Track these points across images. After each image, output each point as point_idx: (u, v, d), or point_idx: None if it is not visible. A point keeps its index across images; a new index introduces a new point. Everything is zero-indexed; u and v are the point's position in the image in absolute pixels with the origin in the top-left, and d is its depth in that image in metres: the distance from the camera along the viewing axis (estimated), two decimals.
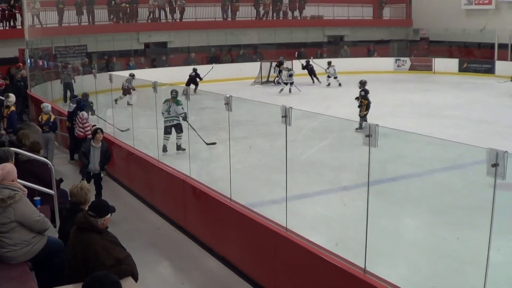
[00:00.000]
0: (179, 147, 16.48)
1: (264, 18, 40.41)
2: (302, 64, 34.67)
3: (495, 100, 27.98)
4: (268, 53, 38.33)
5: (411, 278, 8.50)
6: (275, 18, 40.91)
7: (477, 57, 40.76)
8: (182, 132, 16.33)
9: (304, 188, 12.45)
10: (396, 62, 41.33)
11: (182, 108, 15.90)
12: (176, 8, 37.11)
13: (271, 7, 40.42)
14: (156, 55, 36.71)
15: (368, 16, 44.78)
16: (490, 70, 38.71)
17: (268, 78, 34.56)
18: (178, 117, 16.27)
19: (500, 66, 38.45)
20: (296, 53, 39.11)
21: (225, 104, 9.36)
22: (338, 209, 11.32)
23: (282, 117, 7.85)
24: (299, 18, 42.01)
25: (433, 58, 40.81)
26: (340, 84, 32.43)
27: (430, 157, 14.04)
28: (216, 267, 9.75)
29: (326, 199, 12.37)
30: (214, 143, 16.34)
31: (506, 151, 5.32)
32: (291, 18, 41.74)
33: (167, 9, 37.03)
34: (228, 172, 9.80)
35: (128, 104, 20.86)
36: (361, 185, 7.32)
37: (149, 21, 36.69)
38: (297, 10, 41.90)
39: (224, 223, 9.89)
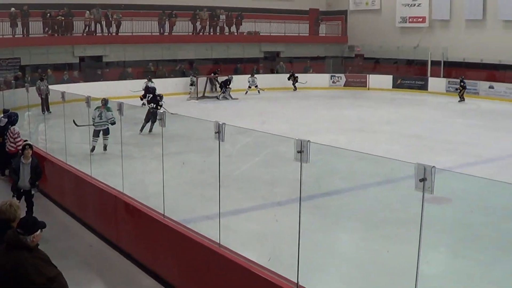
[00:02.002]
0: (105, 147, 18.23)
1: (201, 33, 40.35)
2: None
3: (428, 116, 28.54)
4: (204, 68, 38.36)
5: None
6: (212, 34, 40.86)
7: (410, 73, 41.52)
8: (109, 134, 18.12)
9: (238, 204, 12.45)
10: (331, 79, 41.77)
11: (112, 114, 17.60)
12: (112, 22, 36.74)
13: (208, 22, 40.39)
14: (91, 69, 36.29)
15: (304, 33, 45.14)
16: (423, 87, 39.52)
17: (204, 93, 34.57)
18: (108, 122, 17.98)
19: (433, 82, 39.31)
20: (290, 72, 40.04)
21: (159, 119, 9.32)
22: (272, 224, 11.35)
23: (215, 132, 7.85)
24: (235, 33, 42.09)
25: (368, 75, 41.42)
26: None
27: (363, 172, 14.21)
28: (150, 285, 9.63)
29: (259, 214, 12.40)
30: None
31: (433, 166, 5.42)
32: (227, 33, 41.79)
33: (103, 23, 36.61)
34: (161, 188, 9.74)
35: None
36: (295, 200, 7.35)
37: (85, 34, 36.27)
38: (234, 25, 41.98)
39: (158, 239, 9.81)
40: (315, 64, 43.40)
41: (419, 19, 42.08)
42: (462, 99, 33.63)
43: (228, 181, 11.07)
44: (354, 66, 44.20)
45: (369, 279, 9.01)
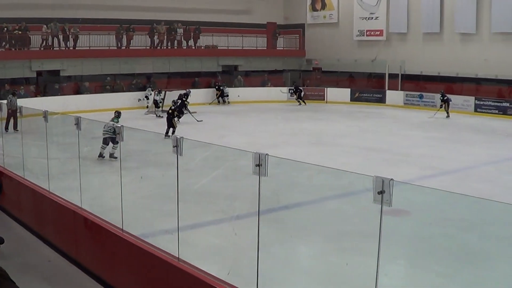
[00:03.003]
0: (111, 155, 19.24)
1: (159, 47, 40.24)
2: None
3: (386, 129, 28.75)
4: (162, 82, 38.23)
5: None
6: (169, 47, 40.78)
7: (368, 87, 41.86)
8: (117, 144, 17.71)
9: (197, 218, 12.39)
10: (289, 91, 41.84)
11: (113, 125, 18.34)
12: (70, 36, 36.47)
13: (165, 36, 40.30)
14: (49, 83, 35.91)
15: (262, 46, 45.35)
16: (381, 100, 39.85)
17: (162, 108, 34.41)
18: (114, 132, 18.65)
19: (391, 95, 39.68)
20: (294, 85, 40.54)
21: (116, 134, 9.28)
22: (231, 238, 11.31)
23: (174, 146, 7.82)
24: (193, 47, 42.05)
25: (326, 88, 41.64)
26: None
27: (322, 185, 14.25)
28: None
29: (219, 228, 12.37)
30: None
31: (391, 179, 5.45)
32: (185, 47, 41.72)
33: (61, 37, 36.35)
34: (120, 202, 9.67)
35: None
36: (254, 213, 7.34)
37: (42, 48, 35.94)
38: (192, 39, 41.94)
39: (116, 254, 9.73)
40: (273, 77, 43.57)
41: (376, 32, 42.49)
42: (447, 114, 33.50)
43: (187, 195, 10.99)
44: (312, 80, 44.46)
45: None
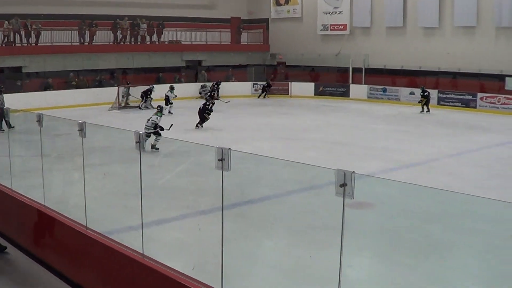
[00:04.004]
0: (153, 147, 19.72)
1: (122, 43, 39.99)
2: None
3: (350, 123, 28.90)
4: (125, 78, 37.99)
5: None
6: (133, 43, 40.54)
7: (332, 81, 41.97)
8: (160, 136, 19.79)
9: (162, 214, 12.35)
10: (253, 87, 41.91)
11: (156, 118, 20.50)
12: (32, 32, 36.04)
13: (129, 31, 40.04)
14: (11, 80, 35.44)
15: (226, 41, 45.25)
16: (345, 93, 40.10)
17: (125, 103, 34.24)
18: (155, 127, 20.16)
19: (355, 89, 39.93)
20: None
21: (78, 130, 9.19)
22: (196, 233, 11.31)
23: (136, 142, 7.79)
24: (157, 42, 41.86)
25: (290, 82, 41.75)
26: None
27: (287, 179, 14.28)
28: None
29: (184, 223, 12.34)
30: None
31: (353, 172, 5.48)
32: (149, 42, 41.50)
33: (22, 33, 35.91)
34: (83, 200, 9.60)
35: None
36: (219, 208, 7.33)
37: (4, 45, 35.48)
38: (155, 34, 41.72)
39: (81, 252, 9.64)
40: (237, 72, 43.53)
41: (340, 27, 42.70)
42: (427, 109, 33.40)
43: (151, 191, 10.98)
44: (276, 74, 44.52)
45: (295, 285, 9.05)
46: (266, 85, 41.26)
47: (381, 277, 9.60)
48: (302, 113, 31.82)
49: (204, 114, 25.55)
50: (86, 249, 9.43)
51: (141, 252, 8.15)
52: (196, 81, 41.12)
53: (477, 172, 18.26)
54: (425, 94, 33.40)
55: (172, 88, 32.54)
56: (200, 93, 39.23)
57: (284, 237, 11.18)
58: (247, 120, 28.71)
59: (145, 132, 19.60)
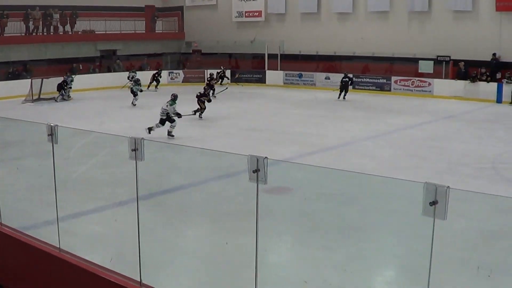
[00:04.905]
0: (169, 133, 20.79)
1: (34, 34, 39.13)
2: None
3: (266, 109, 29.05)
4: (38, 70, 37.17)
5: (192, 286, 8.59)
6: (45, 33, 39.70)
7: (248, 67, 42.10)
8: (174, 122, 20.91)
9: (78, 207, 12.16)
10: (169, 75, 41.61)
11: (174, 108, 20.93)
12: None
13: (41, 22, 39.19)
14: None
15: (140, 30, 44.76)
16: (261, 80, 40.30)
17: (39, 96, 33.51)
18: (169, 114, 20.84)
19: (270, 75, 40.12)
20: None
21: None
22: (114, 225, 11.20)
23: (48, 135, 7.65)
24: (70, 33, 41.07)
25: (206, 70, 41.54)
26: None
27: (203, 167, 14.27)
28: None
29: (101, 216, 12.19)
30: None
31: (266, 157, 5.51)
32: (62, 33, 40.68)
33: None
34: None
35: None
36: (136, 199, 7.29)
37: None
38: (68, 24, 40.91)
39: None
40: (153, 61, 43.09)
41: (255, 13, 42.81)
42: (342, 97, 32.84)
43: (67, 184, 10.82)
44: (192, 62, 44.36)
45: (215, 272, 9.08)
46: (221, 72, 39.56)
47: (300, 260, 9.70)
48: (218, 100, 31.71)
49: (199, 101, 25.55)
50: (1, 246, 9.24)
51: (58, 247, 8.03)
52: (111, 71, 40.53)
53: (392, 153, 18.61)
54: (347, 80, 33.19)
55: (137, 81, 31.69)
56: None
57: (202, 224, 11.19)
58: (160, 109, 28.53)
59: (160, 118, 20.94)
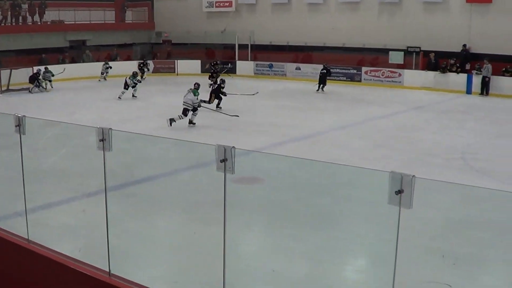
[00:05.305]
0: (190, 122, 21.50)
1: (3, 24, 38.71)
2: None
3: (237, 99, 28.98)
4: (7, 60, 36.76)
5: (162, 276, 8.59)
6: (14, 24, 39.31)
7: (219, 58, 41.99)
8: (197, 111, 21.53)
9: (48, 198, 12.08)
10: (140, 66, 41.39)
11: (197, 98, 21.56)
12: None
13: (9, 12, 38.80)
14: None
15: (110, 20, 44.47)
16: (232, 70, 40.10)
17: (8, 87, 33.13)
18: (192, 104, 21.36)
19: (241, 66, 40.10)
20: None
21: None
22: (84, 216, 11.14)
23: (16, 126, 7.58)
24: (39, 23, 40.70)
25: (176, 60, 41.45)
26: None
27: (175, 158, 14.23)
28: None
29: (71, 207, 12.11)
30: (237, 116, 22.45)
31: (233, 147, 5.54)
32: (31, 23, 40.31)
33: None
34: None
35: None
36: (108, 189, 7.25)
37: None
38: (37, 15, 40.54)
39: None
40: (123, 51, 42.84)
41: (225, 4, 42.74)
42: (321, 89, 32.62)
43: (36, 175, 10.73)
44: (162, 52, 44.20)
45: (185, 262, 9.08)
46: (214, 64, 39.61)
47: (270, 249, 9.73)
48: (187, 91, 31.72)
49: (220, 94, 25.39)
50: None
51: (27, 238, 7.97)
52: (81, 61, 40.21)
53: (363, 144, 18.71)
54: (322, 71, 33.01)
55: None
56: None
57: (173, 215, 11.18)
58: (133, 100, 28.38)
59: (183, 107, 21.39)
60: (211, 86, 27.32)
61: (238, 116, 22.95)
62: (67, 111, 24.00)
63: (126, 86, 28.82)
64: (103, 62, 37.91)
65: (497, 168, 15.90)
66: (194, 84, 22.30)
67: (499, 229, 10.06)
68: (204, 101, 22.19)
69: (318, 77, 32.85)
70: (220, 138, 17.65)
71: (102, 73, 37.15)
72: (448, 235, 10.10)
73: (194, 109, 21.39)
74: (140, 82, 30.26)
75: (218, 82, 25.61)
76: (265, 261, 9.16)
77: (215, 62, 35.77)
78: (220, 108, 24.75)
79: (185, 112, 21.29)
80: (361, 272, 9.14)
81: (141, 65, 38.61)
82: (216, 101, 25.16)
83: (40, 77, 32.62)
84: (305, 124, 21.81)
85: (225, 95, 25.56)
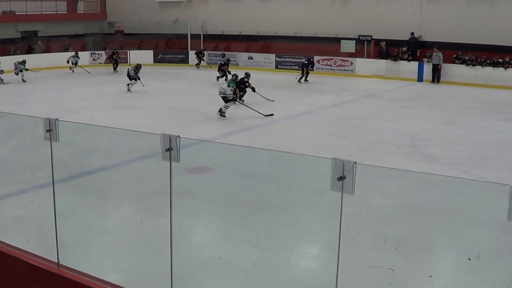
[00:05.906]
0: (220, 111, 21.38)
1: None
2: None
3: (188, 89, 29.06)
4: None
5: (112, 266, 8.62)
6: None
7: (171, 48, 42.02)
8: (229, 102, 21.56)
9: None
10: (91, 56, 41.09)
11: (230, 90, 21.66)
12: None
13: None
14: None
15: (62, 11, 44.01)
16: (184, 60, 40.29)
17: None
18: (225, 93, 21.51)
19: (194, 55, 40.04)
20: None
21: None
22: (33, 208, 11.11)
23: None
24: None
25: (128, 51, 41.22)
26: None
27: (126, 148, 14.21)
28: None
29: (21, 198, 12.05)
30: (272, 115, 21.67)
31: (178, 136, 5.59)
32: None
33: None
34: None
35: None
36: (57, 181, 7.28)
37: None
38: None
39: None
40: (75, 42, 42.44)
41: None
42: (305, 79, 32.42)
43: None
44: (115, 43, 43.89)
45: (135, 252, 9.12)
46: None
47: (220, 238, 9.81)
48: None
49: (245, 88, 24.35)
50: None
51: None
52: (32, 53, 39.74)
53: (315, 132, 18.89)
54: (304, 61, 33.02)
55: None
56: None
57: (122, 205, 11.21)
58: (84, 90, 28.16)
59: (223, 98, 21.56)
60: (218, 79, 29.02)
61: (273, 100, 24.51)
62: (17, 102, 23.76)
63: (131, 77, 28.40)
64: (73, 53, 37.45)
65: (445, 154, 16.20)
66: (232, 75, 23.79)
67: (445, 215, 10.26)
68: (232, 99, 21.77)
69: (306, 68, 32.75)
70: (169, 127, 17.73)
71: (73, 63, 36.62)
72: (395, 221, 10.27)
73: (226, 100, 21.43)
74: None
75: (233, 76, 24.43)
76: (214, 249, 9.25)
77: (199, 51, 35.87)
78: (243, 101, 23.61)
79: (226, 100, 21.47)
80: (309, 259, 9.28)
81: (113, 56, 38.26)
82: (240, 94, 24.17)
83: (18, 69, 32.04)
84: (255, 113, 21.88)
85: (253, 91, 24.40)
